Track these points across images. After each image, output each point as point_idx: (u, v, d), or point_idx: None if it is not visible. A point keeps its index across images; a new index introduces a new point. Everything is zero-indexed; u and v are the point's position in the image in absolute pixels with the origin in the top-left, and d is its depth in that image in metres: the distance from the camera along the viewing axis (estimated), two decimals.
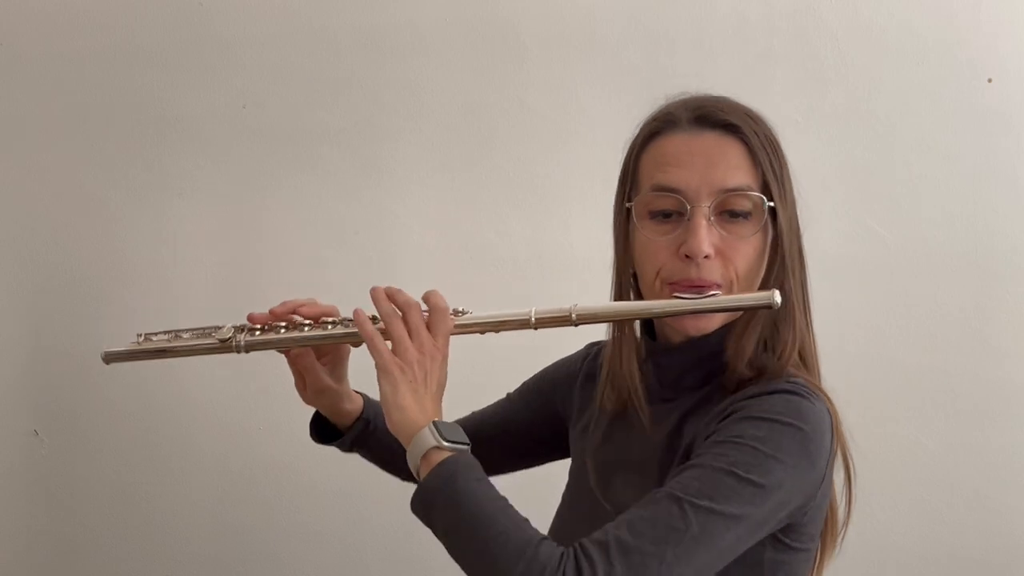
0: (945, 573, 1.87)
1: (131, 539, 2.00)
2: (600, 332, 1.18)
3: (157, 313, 1.97)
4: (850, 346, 1.85)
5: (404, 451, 1.03)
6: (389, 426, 1.00)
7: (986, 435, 1.85)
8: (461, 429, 1.01)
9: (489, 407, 1.32)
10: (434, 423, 0.98)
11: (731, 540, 0.91)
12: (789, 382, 1.00)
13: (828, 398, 1.02)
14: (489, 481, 0.97)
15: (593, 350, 1.25)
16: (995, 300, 1.84)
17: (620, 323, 1.09)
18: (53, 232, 1.98)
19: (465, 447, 0.99)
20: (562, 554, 0.89)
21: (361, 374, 1.19)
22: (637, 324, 1.11)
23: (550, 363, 1.31)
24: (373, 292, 1.06)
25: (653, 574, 0.88)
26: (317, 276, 1.93)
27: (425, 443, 0.97)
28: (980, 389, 1.84)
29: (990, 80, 1.82)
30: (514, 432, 1.27)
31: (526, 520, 0.94)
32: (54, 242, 1.98)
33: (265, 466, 1.97)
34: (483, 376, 1.37)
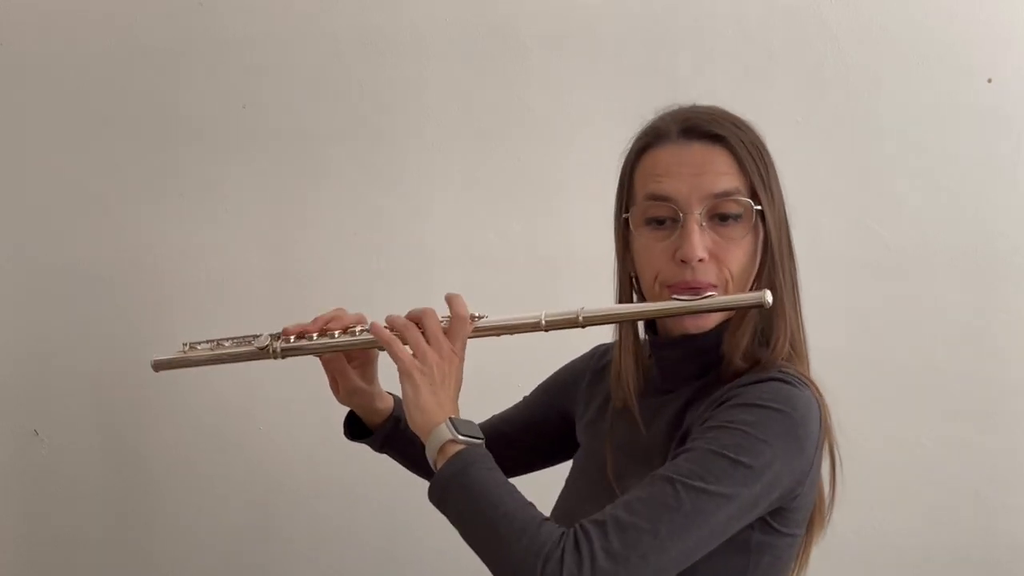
0: (945, 573, 1.87)
1: (131, 539, 2.00)
2: (605, 333, 1.23)
3: (157, 313, 1.97)
4: (850, 346, 1.85)
5: None
6: (411, 425, 1.09)
7: (986, 435, 1.84)
8: (476, 425, 1.09)
9: (507, 410, 1.40)
10: (451, 419, 1.06)
11: (722, 519, 0.97)
12: (780, 371, 1.06)
13: (817, 388, 1.08)
14: (499, 470, 1.04)
15: (599, 350, 1.33)
16: (995, 300, 1.84)
17: (622, 325, 1.17)
18: (53, 232, 1.98)
19: (479, 441, 1.06)
20: (562, 533, 0.96)
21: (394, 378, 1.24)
22: (640, 324, 1.18)
23: (561, 364, 1.38)
24: (388, 317, 1.15)
25: (647, 548, 0.94)
26: (317, 276, 1.93)
27: (442, 437, 1.05)
28: (980, 389, 1.84)
29: (990, 80, 1.82)
30: (531, 432, 1.35)
31: (532, 504, 1.02)
32: (54, 242, 1.98)
33: (266, 467, 1.97)
34: (501, 377, 1.45)
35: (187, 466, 1.98)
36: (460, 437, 1.05)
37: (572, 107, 1.89)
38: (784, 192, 1.14)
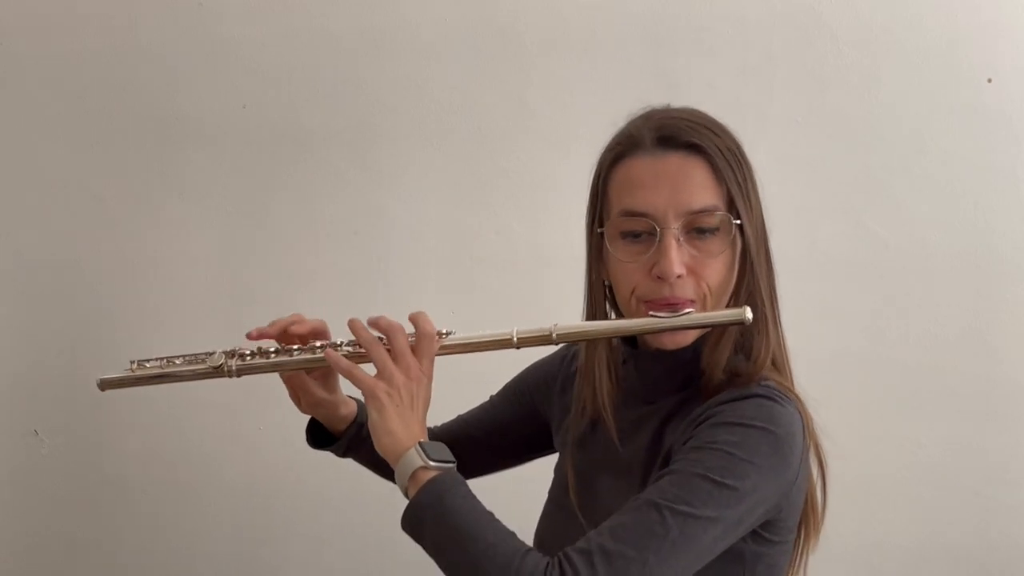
0: (945, 573, 1.87)
1: (131, 539, 2.00)
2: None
3: (157, 313, 1.97)
4: (850, 346, 1.85)
5: None
6: (378, 449, 1.04)
7: (986, 435, 1.85)
8: (446, 448, 1.04)
9: (473, 410, 1.36)
10: (420, 444, 1.02)
11: (709, 541, 0.95)
12: (761, 386, 1.03)
13: (800, 400, 1.06)
14: (475, 497, 1.00)
15: (571, 351, 1.28)
16: (995, 300, 1.84)
17: (590, 344, 1.13)
18: (53, 232, 1.98)
19: (451, 465, 1.02)
20: (547, 564, 0.93)
21: None
22: None
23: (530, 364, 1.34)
24: (350, 323, 1.09)
25: None
26: (317, 276, 1.93)
27: (412, 463, 1.01)
28: (980, 389, 1.84)
29: (990, 80, 1.82)
30: (498, 433, 1.32)
31: (512, 533, 0.98)
32: (54, 242, 1.98)
33: (265, 466, 1.97)
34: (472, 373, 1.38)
35: (187, 466, 1.98)
36: (432, 463, 1.01)
37: (572, 107, 1.89)
38: (763, 200, 1.11)
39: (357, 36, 1.93)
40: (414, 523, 1.00)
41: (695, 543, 0.94)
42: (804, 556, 1.14)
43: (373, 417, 1.03)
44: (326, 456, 1.99)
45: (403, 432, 1.02)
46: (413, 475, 1.00)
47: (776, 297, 1.11)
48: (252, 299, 1.94)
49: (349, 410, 1.26)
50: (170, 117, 1.96)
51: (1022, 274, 1.83)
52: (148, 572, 2.00)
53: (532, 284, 1.89)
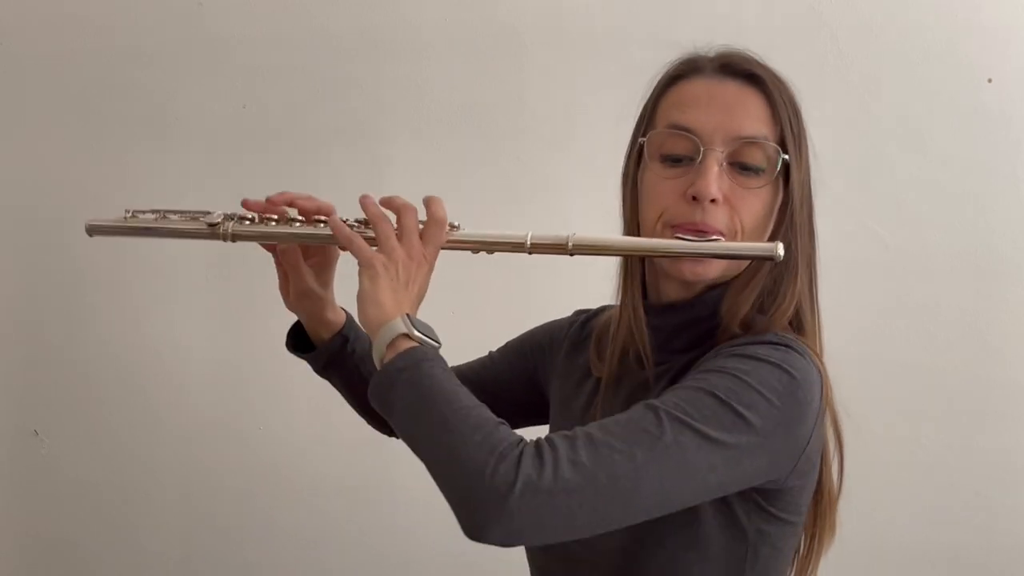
0: (945, 573, 1.87)
1: (131, 539, 2.00)
2: (594, 274, 1.16)
3: (157, 312, 1.97)
4: (850, 346, 1.85)
5: None
6: (361, 319, 0.97)
7: (986, 435, 1.85)
8: (434, 331, 0.97)
9: (469, 363, 1.29)
10: (407, 315, 0.94)
11: (703, 464, 0.86)
12: (778, 335, 0.97)
13: (821, 361, 0.99)
14: (455, 376, 0.93)
15: (580, 318, 1.23)
16: (995, 300, 1.84)
17: (628, 282, 1.07)
18: (53, 232, 1.98)
19: (436, 345, 0.95)
20: (522, 438, 0.86)
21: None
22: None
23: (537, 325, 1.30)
24: (362, 198, 1.02)
25: (619, 470, 0.84)
26: None
27: (395, 330, 0.93)
28: (980, 389, 1.84)
29: (990, 80, 1.82)
30: (492, 392, 1.21)
31: (486, 407, 0.91)
32: (54, 242, 1.98)
33: (265, 468, 1.97)
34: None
35: (187, 466, 1.98)
36: (416, 334, 0.92)
37: (572, 107, 1.89)
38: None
39: (357, 36, 1.93)
40: (385, 387, 0.91)
41: (688, 459, 0.85)
42: (817, 557, 1.09)
43: (364, 285, 0.96)
44: (327, 457, 1.99)
45: (392, 304, 0.94)
46: (393, 342, 0.92)
47: (815, 258, 1.04)
48: (251, 299, 1.94)
49: (336, 317, 1.18)
50: (170, 117, 1.96)
51: (1022, 274, 1.83)
52: (148, 572, 2.00)
53: (532, 284, 1.89)
